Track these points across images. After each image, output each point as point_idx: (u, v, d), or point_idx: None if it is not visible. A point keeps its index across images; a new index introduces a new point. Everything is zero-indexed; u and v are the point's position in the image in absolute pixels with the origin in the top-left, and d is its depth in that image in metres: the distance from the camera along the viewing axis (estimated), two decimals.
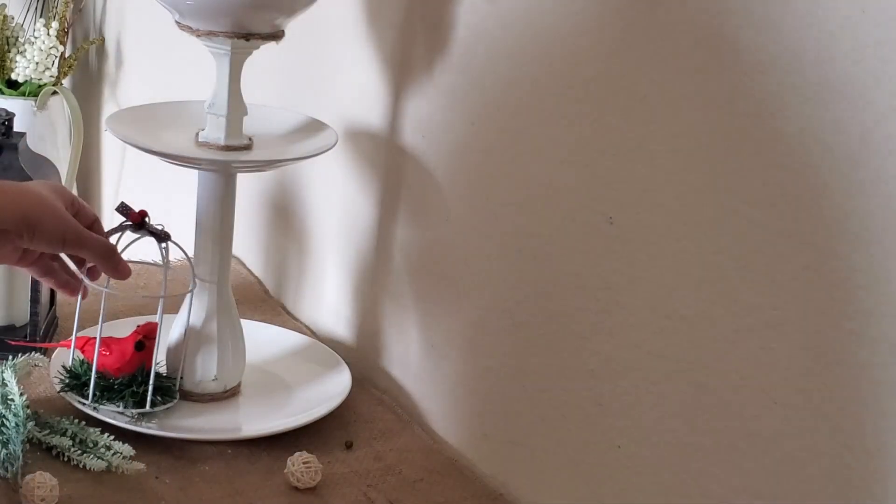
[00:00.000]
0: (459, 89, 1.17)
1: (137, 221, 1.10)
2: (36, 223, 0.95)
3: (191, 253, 1.17)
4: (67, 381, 1.14)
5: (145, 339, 1.14)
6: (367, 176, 1.35)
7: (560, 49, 1.04)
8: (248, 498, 1.07)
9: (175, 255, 1.14)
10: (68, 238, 0.98)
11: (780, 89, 0.84)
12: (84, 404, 1.12)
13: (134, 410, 1.12)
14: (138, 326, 1.16)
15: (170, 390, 1.15)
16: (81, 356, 1.15)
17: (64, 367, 1.15)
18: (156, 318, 1.16)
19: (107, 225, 1.07)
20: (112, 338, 1.14)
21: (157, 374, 1.14)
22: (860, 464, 0.81)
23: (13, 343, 1.24)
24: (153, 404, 1.12)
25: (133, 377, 1.13)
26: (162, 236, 1.10)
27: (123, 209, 1.10)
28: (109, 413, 1.12)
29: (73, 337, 1.14)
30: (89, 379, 1.12)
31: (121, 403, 1.12)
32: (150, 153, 1.14)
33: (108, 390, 1.13)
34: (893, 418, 0.79)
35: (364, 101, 1.34)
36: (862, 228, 0.79)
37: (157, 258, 1.14)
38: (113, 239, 1.06)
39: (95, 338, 1.12)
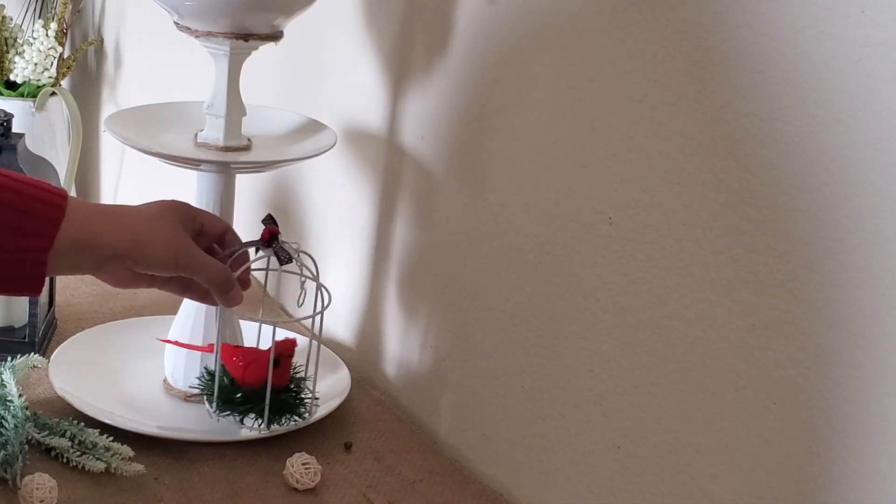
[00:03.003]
0: (459, 89, 1.17)
1: (266, 239, 1.06)
2: (146, 248, 0.93)
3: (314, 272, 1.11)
4: (207, 382, 1.10)
5: (281, 357, 1.08)
6: (366, 176, 1.35)
7: (560, 49, 1.04)
8: (247, 499, 1.07)
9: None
10: (181, 262, 0.96)
11: (779, 90, 0.84)
12: (209, 413, 1.10)
13: (253, 429, 1.09)
14: (276, 342, 1.09)
15: (298, 410, 1.10)
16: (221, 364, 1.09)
17: (206, 369, 1.11)
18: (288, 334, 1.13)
19: None
20: (253, 349, 1.10)
21: (289, 393, 1.10)
22: (860, 464, 0.81)
23: (162, 340, 1.21)
24: (275, 422, 1.08)
25: (256, 391, 1.07)
26: (284, 259, 1.06)
27: (269, 220, 1.07)
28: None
29: (217, 341, 1.09)
30: (222, 387, 1.08)
31: (238, 416, 1.08)
32: (149, 154, 1.14)
33: (231, 402, 1.08)
34: (893, 418, 0.79)
35: (363, 102, 1.34)
36: (861, 229, 0.79)
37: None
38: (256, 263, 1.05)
39: (237, 346, 1.09)
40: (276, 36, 1.14)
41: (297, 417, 1.10)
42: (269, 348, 1.07)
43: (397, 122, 1.28)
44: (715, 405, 0.91)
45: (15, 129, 1.24)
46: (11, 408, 1.08)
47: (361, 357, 1.35)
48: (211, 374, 1.10)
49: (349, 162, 1.37)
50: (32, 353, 1.19)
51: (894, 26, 0.77)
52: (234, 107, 1.16)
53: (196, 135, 1.18)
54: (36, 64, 2.07)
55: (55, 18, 2.13)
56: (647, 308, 0.97)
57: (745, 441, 0.89)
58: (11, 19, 2.14)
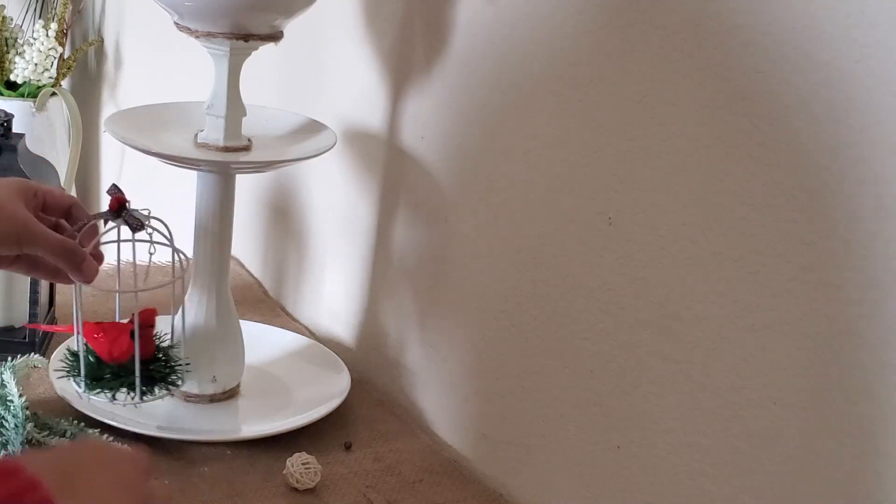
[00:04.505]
0: (459, 89, 1.17)
1: (114, 209, 1.02)
2: None
3: (184, 247, 1.11)
4: (71, 363, 1.09)
5: (141, 327, 1.06)
6: (366, 177, 1.35)
7: (560, 49, 1.04)
8: (247, 499, 1.07)
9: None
10: (22, 238, 0.94)
11: (780, 89, 0.84)
12: (78, 394, 1.08)
13: (126, 403, 1.07)
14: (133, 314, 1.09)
15: (170, 378, 1.09)
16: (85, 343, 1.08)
17: (69, 349, 1.10)
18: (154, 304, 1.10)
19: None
20: (114, 323, 1.09)
21: (158, 363, 1.09)
22: (860, 464, 0.81)
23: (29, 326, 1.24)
24: (148, 393, 1.08)
25: (125, 366, 1.07)
26: (135, 226, 1.03)
27: (114, 189, 1.03)
28: (103, 402, 1.08)
29: (75, 321, 1.07)
30: (89, 365, 1.07)
31: (109, 393, 1.07)
32: (149, 154, 1.14)
33: (100, 379, 1.07)
34: (893, 419, 0.79)
35: (363, 102, 1.34)
36: (860, 229, 0.79)
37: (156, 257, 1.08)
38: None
39: (98, 323, 1.06)
40: (276, 36, 1.14)
41: (169, 386, 1.09)
42: (131, 319, 1.05)
43: (397, 123, 1.28)
44: (715, 405, 0.91)
45: (15, 129, 1.24)
46: (12, 408, 1.08)
47: (361, 357, 1.35)
48: (74, 354, 1.08)
49: (349, 162, 1.37)
50: (32, 353, 1.19)
51: (894, 26, 0.77)
52: (234, 107, 1.16)
53: (196, 135, 1.18)
54: (36, 64, 2.08)
55: (55, 19, 2.13)
56: (647, 308, 0.97)
57: (745, 441, 0.89)
58: (12, 20, 2.14)
